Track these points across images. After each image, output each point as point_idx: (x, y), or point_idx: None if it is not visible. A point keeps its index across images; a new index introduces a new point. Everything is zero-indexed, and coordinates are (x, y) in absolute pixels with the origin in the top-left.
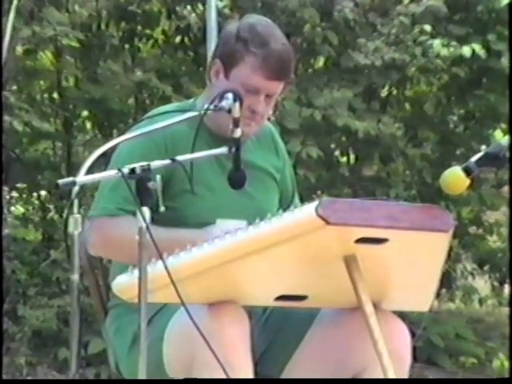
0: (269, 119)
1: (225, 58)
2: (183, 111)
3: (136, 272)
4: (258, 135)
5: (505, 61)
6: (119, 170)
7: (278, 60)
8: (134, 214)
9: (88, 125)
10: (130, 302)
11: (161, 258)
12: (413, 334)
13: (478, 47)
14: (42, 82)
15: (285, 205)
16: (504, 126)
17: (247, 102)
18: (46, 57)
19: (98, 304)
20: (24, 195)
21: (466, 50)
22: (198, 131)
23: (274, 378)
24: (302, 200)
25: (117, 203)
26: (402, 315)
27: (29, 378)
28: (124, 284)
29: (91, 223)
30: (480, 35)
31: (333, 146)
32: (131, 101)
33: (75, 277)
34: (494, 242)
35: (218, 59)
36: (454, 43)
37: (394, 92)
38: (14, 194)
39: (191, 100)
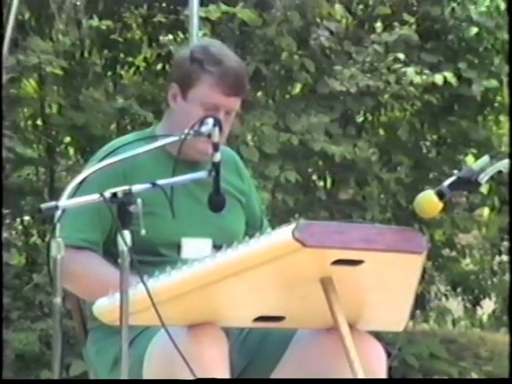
0: (245, 142)
1: (180, 81)
2: (142, 140)
3: (117, 295)
4: (221, 159)
5: (475, 88)
6: (101, 194)
7: (234, 76)
8: (96, 244)
9: (71, 150)
10: (110, 324)
11: (141, 280)
12: (388, 354)
13: (449, 75)
14: (25, 110)
15: (253, 230)
16: (475, 151)
17: None
18: (29, 85)
19: (79, 327)
20: (7, 220)
21: (439, 78)
22: (178, 156)
23: (272, 378)
24: (273, 226)
25: (80, 232)
26: (378, 336)
27: None
28: (105, 307)
29: None
30: (451, 63)
31: (310, 170)
32: (113, 127)
33: (57, 300)
34: (467, 264)
35: (173, 83)
36: (426, 71)
37: (369, 118)
38: None
39: (149, 129)
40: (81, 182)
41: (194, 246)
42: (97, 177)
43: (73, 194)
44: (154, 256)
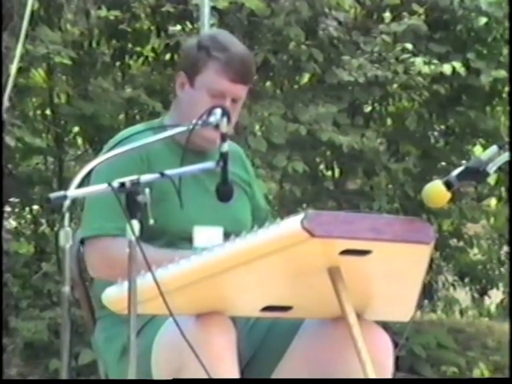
0: (253, 132)
1: (188, 69)
2: (152, 130)
3: (125, 284)
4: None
5: (484, 78)
6: (109, 184)
7: (241, 62)
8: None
9: (79, 140)
10: (119, 313)
11: (150, 270)
12: (395, 344)
13: (458, 65)
14: (34, 99)
15: (258, 221)
16: (483, 141)
17: None
18: (38, 74)
19: (88, 315)
20: (16, 209)
21: (447, 68)
22: (186, 146)
23: (272, 378)
24: (281, 216)
25: (112, 221)
26: (385, 326)
27: None
28: (113, 296)
29: (90, 245)
30: (460, 53)
31: (318, 160)
32: (121, 117)
33: (66, 289)
34: (475, 254)
35: (181, 71)
36: (434, 61)
37: (377, 108)
38: (7, 208)
39: (158, 119)
40: (89, 172)
41: (206, 235)
42: (114, 164)
43: (88, 183)
44: (166, 245)
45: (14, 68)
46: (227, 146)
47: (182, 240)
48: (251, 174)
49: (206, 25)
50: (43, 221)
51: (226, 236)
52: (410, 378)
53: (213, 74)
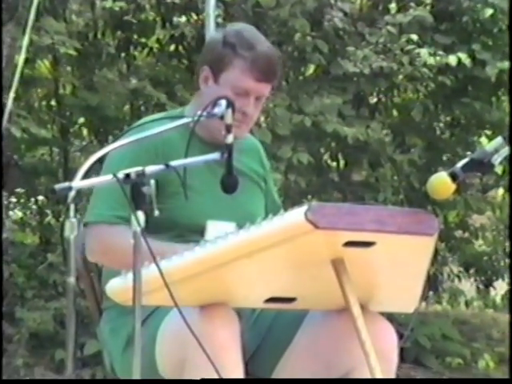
0: (257, 124)
1: (213, 64)
2: (173, 119)
3: (130, 275)
4: (245, 146)
5: (489, 70)
6: (114, 175)
7: (266, 62)
8: (129, 221)
9: (84, 131)
10: (123, 304)
11: (154, 261)
12: (400, 336)
13: (463, 56)
14: (39, 90)
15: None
16: (488, 132)
17: (237, 104)
18: (43, 65)
19: (93, 306)
20: (22, 200)
21: (452, 59)
22: (191, 137)
23: (272, 378)
24: (285, 207)
25: (113, 209)
26: (390, 317)
27: (26, 378)
28: (118, 287)
29: (89, 230)
30: (465, 45)
31: (323, 151)
32: (126, 108)
33: (71, 280)
34: (480, 245)
35: (206, 66)
36: (440, 52)
37: (383, 99)
38: (13, 198)
39: (179, 109)
40: (95, 163)
41: (219, 230)
42: (127, 152)
43: (96, 172)
44: (176, 237)
45: (21, 59)
46: (246, 140)
47: (192, 233)
48: (267, 169)
49: (212, 16)
50: (48, 211)
51: None
52: (415, 367)
53: (238, 72)
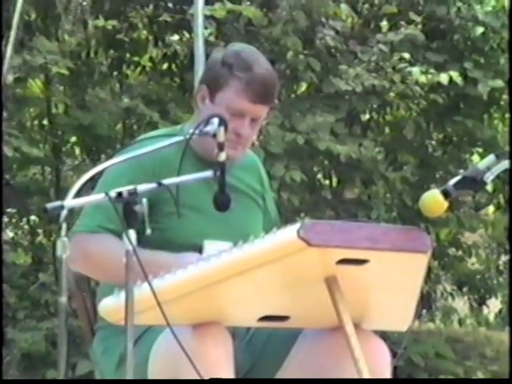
0: (253, 144)
1: (210, 83)
2: (170, 136)
3: (122, 294)
4: (244, 162)
5: (481, 88)
6: (106, 193)
7: (262, 84)
8: (114, 232)
9: (77, 150)
10: (116, 324)
11: (147, 280)
12: (394, 354)
13: (455, 74)
14: (31, 109)
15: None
16: (480, 150)
17: (232, 125)
18: (35, 84)
19: (85, 326)
20: (14, 220)
21: (444, 77)
22: (185, 155)
23: (273, 379)
24: (278, 225)
25: (98, 221)
26: (384, 335)
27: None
28: (110, 306)
29: (72, 238)
30: (457, 63)
31: (315, 169)
32: (119, 127)
33: (63, 299)
34: (473, 263)
35: (203, 85)
36: (431, 70)
37: (375, 117)
38: (4, 218)
39: (179, 126)
40: (87, 182)
41: (216, 250)
42: (124, 170)
43: (88, 190)
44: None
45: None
46: (246, 157)
47: (188, 252)
48: (266, 186)
49: (200, 35)
50: (40, 231)
51: None
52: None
53: (233, 93)
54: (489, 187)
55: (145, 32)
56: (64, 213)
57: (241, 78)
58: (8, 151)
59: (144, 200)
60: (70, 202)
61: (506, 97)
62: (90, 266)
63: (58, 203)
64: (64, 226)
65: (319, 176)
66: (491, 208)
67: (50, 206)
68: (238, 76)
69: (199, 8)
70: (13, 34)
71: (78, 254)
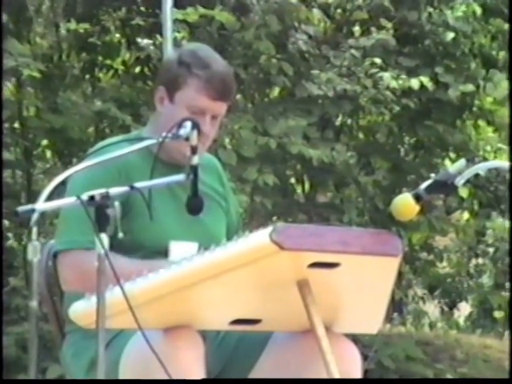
0: (215, 141)
1: (168, 84)
2: (131, 141)
3: (93, 298)
4: (203, 164)
5: (452, 92)
6: (78, 197)
7: (221, 80)
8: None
9: (48, 153)
10: (87, 328)
11: (119, 284)
12: (365, 357)
13: (425, 80)
14: (2, 112)
15: (231, 235)
16: (452, 154)
17: None
18: (7, 88)
19: (56, 330)
20: None
21: (414, 83)
22: (148, 159)
23: (271, 378)
24: (251, 229)
25: (85, 234)
26: (355, 338)
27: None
28: (81, 310)
29: (63, 258)
30: (429, 67)
31: (288, 173)
32: (91, 130)
33: (34, 304)
34: (444, 267)
35: (161, 86)
36: (403, 76)
37: (347, 121)
38: None
39: (136, 131)
40: (57, 186)
41: (182, 250)
42: (90, 175)
43: (58, 195)
44: (142, 259)
45: None
46: (203, 158)
47: (157, 254)
48: (227, 187)
49: (169, 39)
50: (10, 235)
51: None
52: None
53: (193, 91)
54: (464, 193)
55: (117, 35)
56: (35, 216)
57: (200, 75)
58: None
59: (116, 203)
60: (41, 205)
61: (477, 102)
62: (89, 285)
63: (29, 207)
64: (35, 229)
65: (292, 180)
66: (466, 214)
67: (21, 209)
68: (196, 74)
69: (168, 11)
70: None
71: (75, 274)
